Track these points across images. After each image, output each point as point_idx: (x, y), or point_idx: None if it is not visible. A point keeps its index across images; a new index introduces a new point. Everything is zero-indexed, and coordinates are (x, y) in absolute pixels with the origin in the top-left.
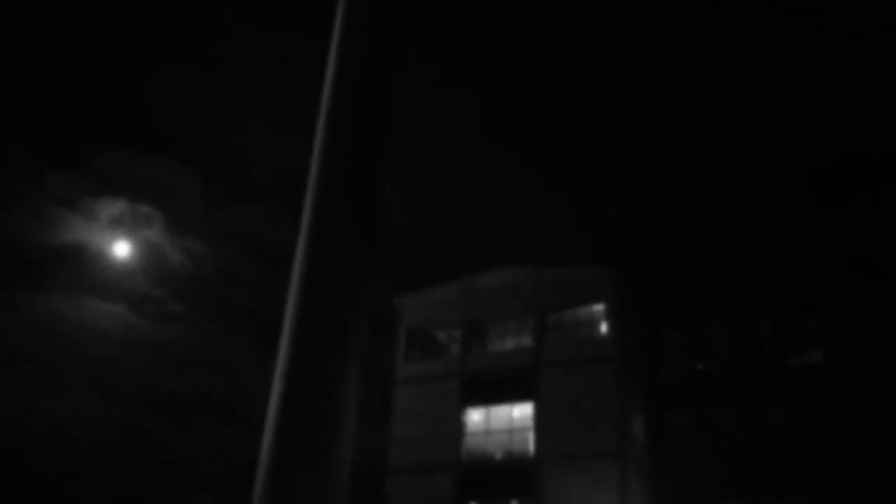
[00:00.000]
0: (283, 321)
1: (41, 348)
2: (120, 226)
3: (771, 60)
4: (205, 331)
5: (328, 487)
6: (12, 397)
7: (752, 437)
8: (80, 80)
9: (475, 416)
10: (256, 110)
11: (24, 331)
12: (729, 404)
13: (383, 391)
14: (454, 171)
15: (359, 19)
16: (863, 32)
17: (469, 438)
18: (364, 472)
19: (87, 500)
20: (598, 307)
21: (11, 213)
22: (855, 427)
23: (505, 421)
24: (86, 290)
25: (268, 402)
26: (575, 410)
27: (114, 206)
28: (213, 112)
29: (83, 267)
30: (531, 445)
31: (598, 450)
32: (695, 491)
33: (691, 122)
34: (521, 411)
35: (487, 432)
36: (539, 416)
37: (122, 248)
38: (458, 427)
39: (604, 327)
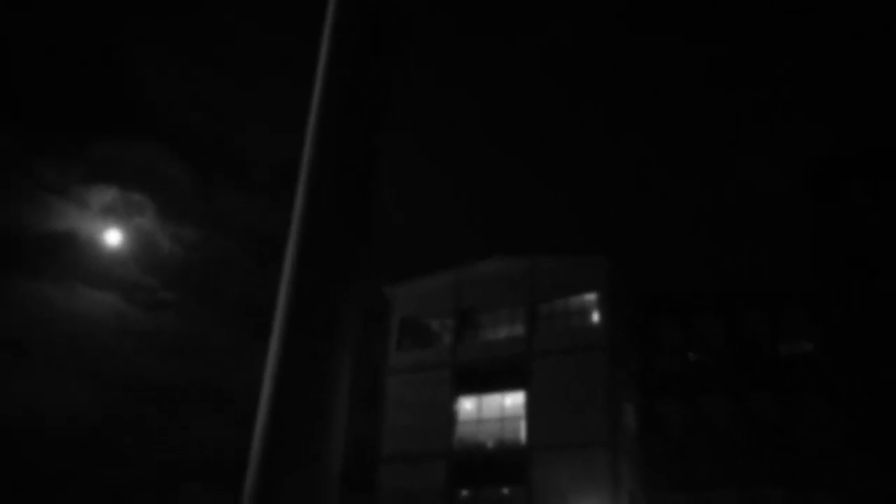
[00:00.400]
0: (276, 310)
1: (31, 336)
2: (111, 213)
3: (771, 60)
4: (196, 320)
5: (320, 478)
6: (2, 385)
7: (744, 427)
8: (75, 71)
9: (467, 405)
10: (252, 102)
11: (14, 318)
12: (721, 394)
13: (376, 380)
14: (448, 162)
15: (351, 9)
16: (862, 32)
17: (461, 427)
18: (356, 461)
19: (76, 489)
20: (591, 296)
21: (1, 200)
22: (850, 422)
23: (497, 410)
24: (77, 278)
25: (259, 391)
26: (566, 399)
27: (105, 194)
28: (209, 103)
29: (74, 255)
30: (523, 434)
31: (589, 439)
32: (686, 480)
33: (691, 121)
34: (513, 400)
35: (479, 421)
36: (530, 405)
37: (113, 236)
38: (450, 416)
39: (596, 317)
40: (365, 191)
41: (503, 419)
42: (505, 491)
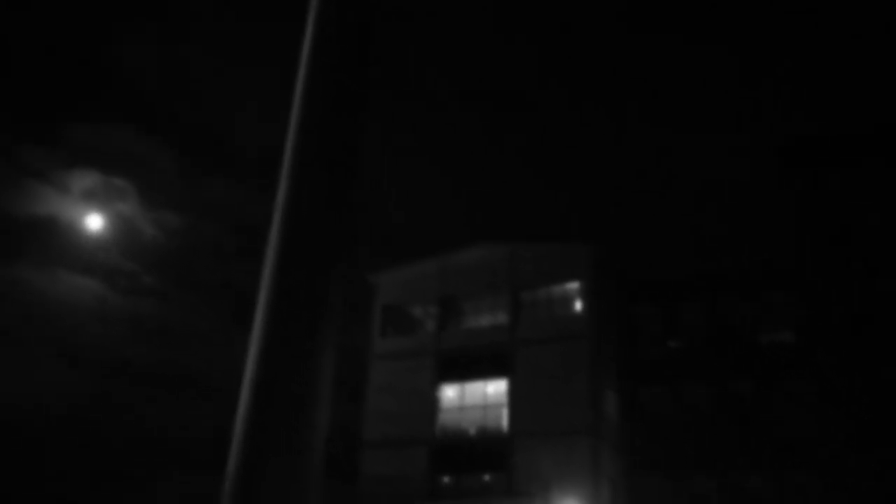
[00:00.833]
0: (258, 296)
1: (12, 320)
2: (93, 198)
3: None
4: (178, 305)
5: (302, 463)
6: None
7: (724, 413)
8: (56, 55)
9: (450, 392)
10: (239, 88)
11: None
12: (701, 381)
13: (358, 367)
14: (431, 151)
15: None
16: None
17: (443, 414)
18: (339, 447)
19: (53, 473)
20: (573, 285)
21: None
22: (829, 408)
23: (479, 397)
24: (58, 263)
25: (241, 377)
26: (549, 388)
27: (86, 179)
28: (195, 89)
29: (55, 239)
30: (505, 421)
31: (571, 427)
32: (667, 466)
33: (673, 106)
34: (496, 388)
35: (462, 408)
36: (513, 393)
37: (94, 221)
38: (432, 403)
39: (578, 305)
40: (348, 178)
41: (485, 407)
42: (486, 478)
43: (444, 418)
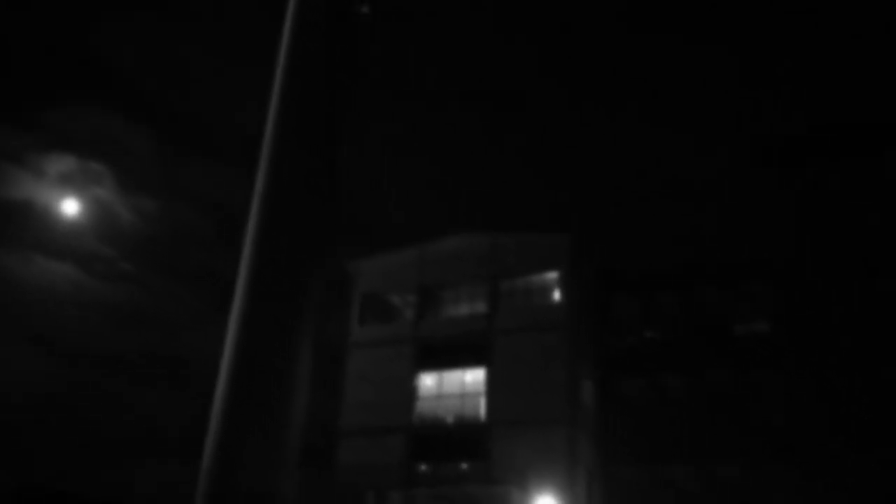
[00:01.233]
0: (237, 282)
1: None
2: (69, 182)
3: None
4: (155, 291)
5: (278, 447)
6: None
7: (701, 403)
8: (30, 36)
9: (428, 381)
10: (216, 71)
11: None
12: (679, 371)
13: (336, 355)
14: (412, 139)
15: None
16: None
17: (421, 402)
18: (316, 435)
19: (27, 461)
20: (552, 274)
21: None
22: (805, 398)
23: (457, 386)
24: (33, 248)
25: (219, 363)
26: (527, 377)
27: (63, 163)
28: (171, 72)
29: (30, 224)
30: (482, 410)
31: (549, 416)
32: (644, 455)
33: (657, 98)
34: (474, 376)
35: (440, 396)
36: (491, 382)
37: (70, 206)
38: (410, 391)
39: (557, 294)
40: (327, 167)
41: (463, 395)
42: (464, 466)
43: (422, 406)
